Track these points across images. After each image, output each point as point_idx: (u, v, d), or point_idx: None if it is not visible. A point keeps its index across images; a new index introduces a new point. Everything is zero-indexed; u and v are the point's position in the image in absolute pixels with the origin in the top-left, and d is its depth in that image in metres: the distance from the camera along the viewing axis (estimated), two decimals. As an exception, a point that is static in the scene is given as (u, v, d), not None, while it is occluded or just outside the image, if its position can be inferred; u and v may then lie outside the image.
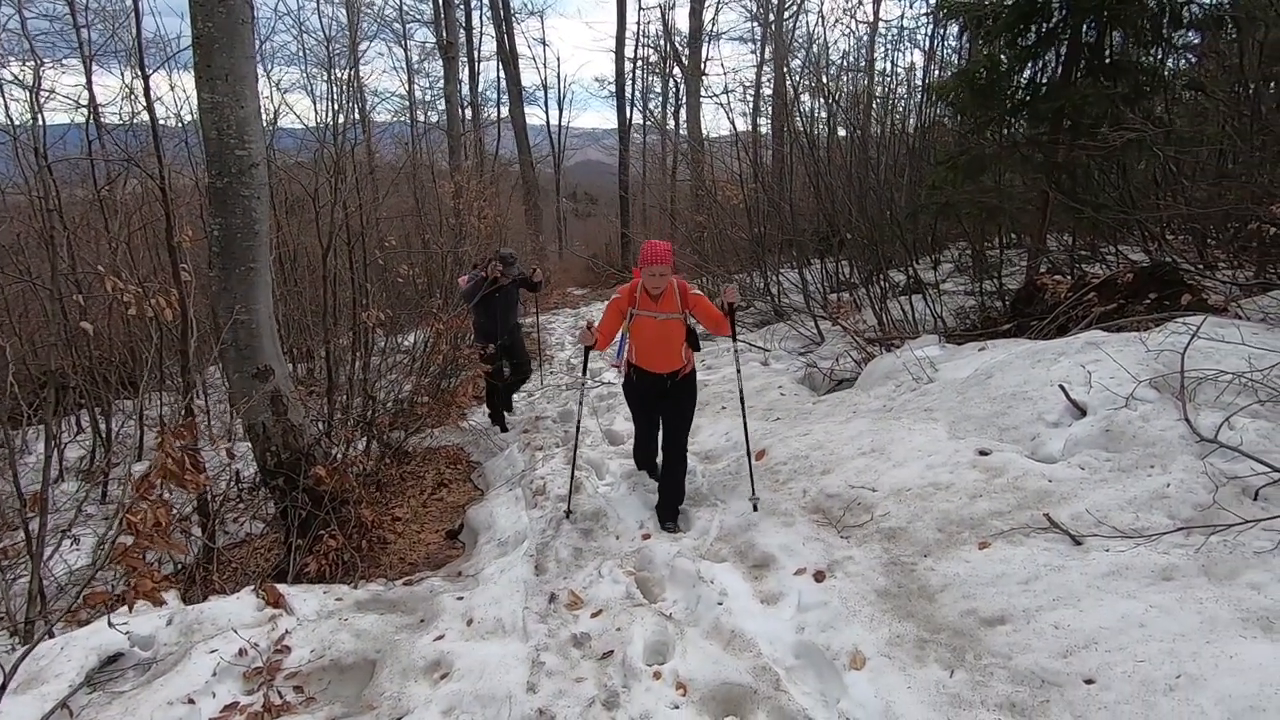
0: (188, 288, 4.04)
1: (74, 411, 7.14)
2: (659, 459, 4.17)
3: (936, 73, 11.80)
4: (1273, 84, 5.34)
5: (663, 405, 3.98)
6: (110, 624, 2.47)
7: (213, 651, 2.82)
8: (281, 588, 3.34)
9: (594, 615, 3.05)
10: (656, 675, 2.59)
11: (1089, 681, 2.12)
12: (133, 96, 7.80)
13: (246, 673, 2.76)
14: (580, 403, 4.36)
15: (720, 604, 2.94)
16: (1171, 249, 6.40)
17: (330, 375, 4.98)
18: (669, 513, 3.87)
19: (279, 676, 2.79)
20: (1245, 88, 5.68)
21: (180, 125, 6.72)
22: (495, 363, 6.03)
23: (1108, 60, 6.07)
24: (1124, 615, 2.28)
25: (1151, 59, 6.50)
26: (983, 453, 3.44)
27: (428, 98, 22.85)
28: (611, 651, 2.77)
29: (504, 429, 6.32)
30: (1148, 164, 6.48)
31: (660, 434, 4.06)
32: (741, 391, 4.05)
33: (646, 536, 3.70)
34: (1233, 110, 5.61)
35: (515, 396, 6.88)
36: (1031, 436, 3.47)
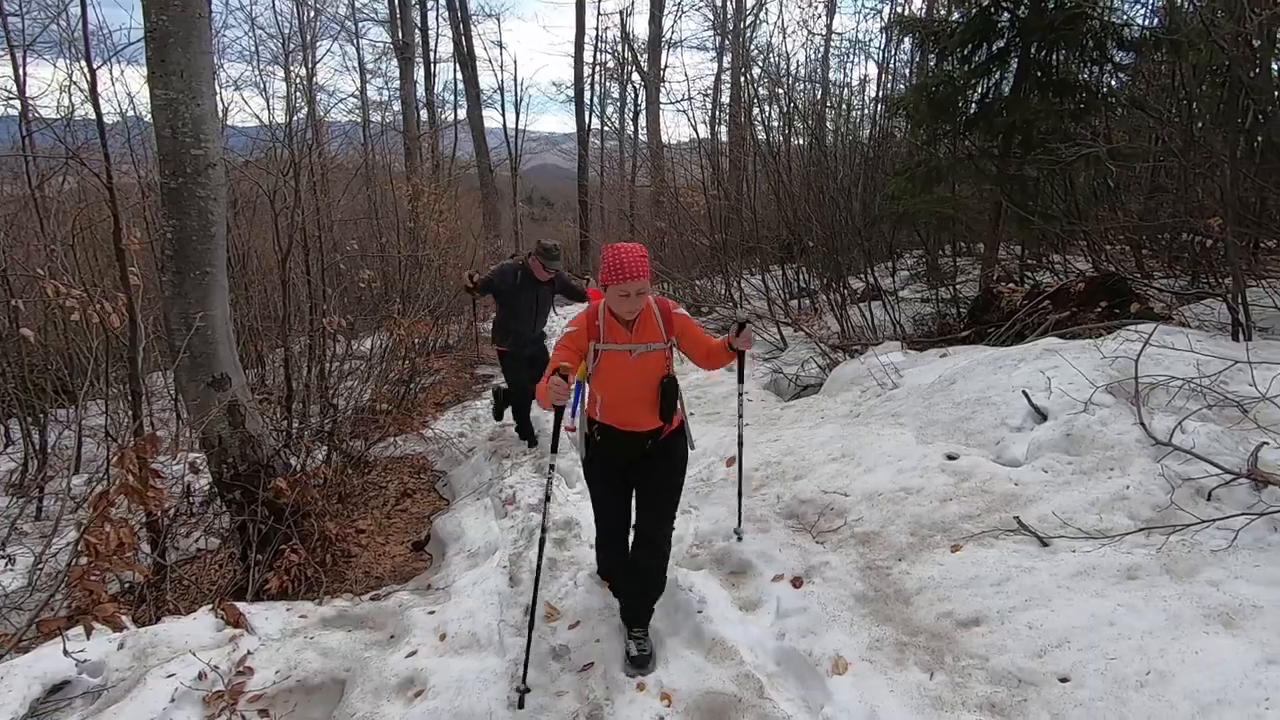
0: (136, 293, 3.84)
1: (3, 421, 6.71)
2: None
3: (890, 84, 12.16)
4: (1196, 105, 5.65)
5: (640, 476, 2.81)
6: (66, 652, 2.31)
7: (170, 675, 2.67)
8: (241, 606, 3.19)
9: (571, 627, 3.01)
10: (640, 686, 2.57)
11: (1064, 680, 2.18)
12: (71, 89, 7.38)
13: (207, 697, 2.63)
14: (549, 483, 2.87)
15: (700, 612, 2.92)
16: (1111, 259, 6.71)
17: (289, 382, 4.80)
18: (640, 616, 2.82)
19: (242, 700, 2.67)
20: (1180, 106, 6.01)
21: (123, 121, 6.38)
22: (516, 371, 5.25)
23: (1055, 78, 6.35)
24: (1094, 614, 2.36)
25: (1092, 77, 6.83)
26: (951, 457, 3.53)
27: (383, 97, 22.38)
28: (592, 663, 2.74)
29: (533, 443, 5.47)
30: (1087, 177, 6.80)
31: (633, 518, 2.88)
32: (740, 463, 3.36)
33: (621, 545, 3.67)
34: (1168, 127, 5.94)
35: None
36: (996, 441, 3.57)
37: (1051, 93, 6.26)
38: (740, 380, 3.20)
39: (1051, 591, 2.52)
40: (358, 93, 20.34)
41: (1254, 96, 4.39)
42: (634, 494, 2.86)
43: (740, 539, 3.35)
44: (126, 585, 3.68)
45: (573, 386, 2.46)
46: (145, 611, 3.40)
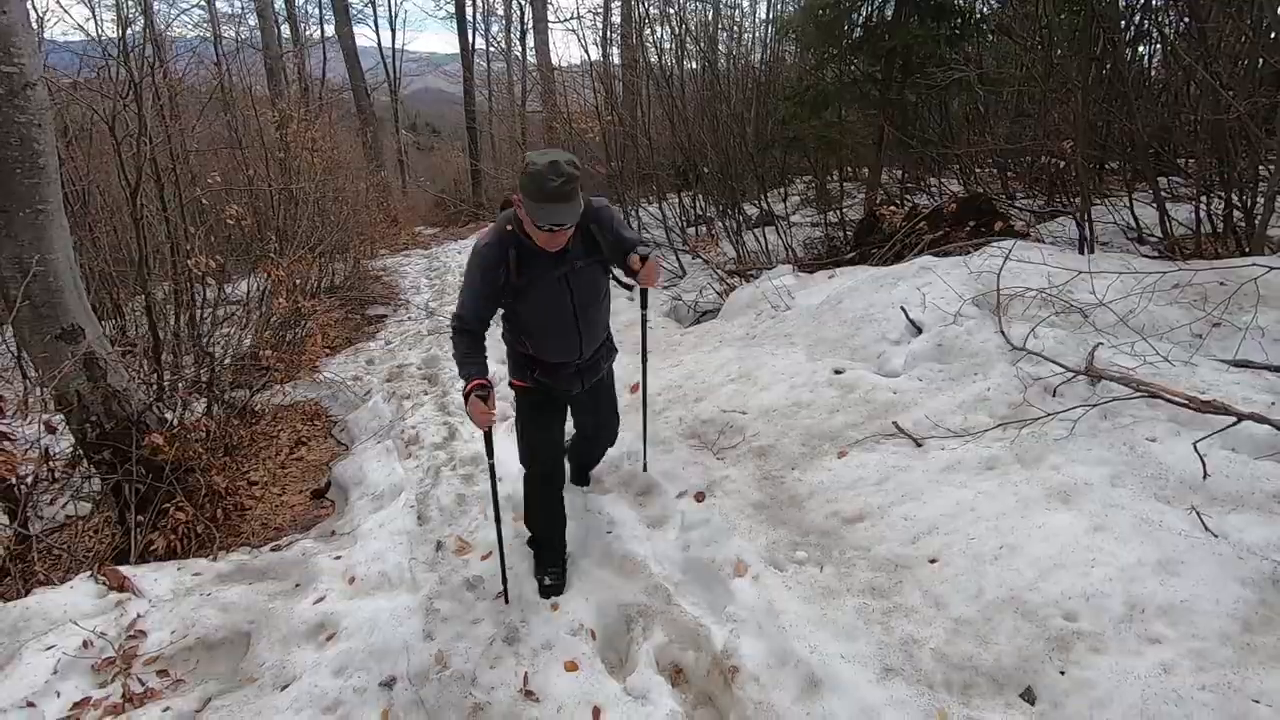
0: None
1: None
2: None
3: (780, 5, 12.11)
4: (1055, 34, 6.00)
5: None
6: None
7: (49, 648, 2.52)
8: (125, 570, 3.02)
9: (484, 558, 3.05)
10: (554, 607, 2.66)
11: (933, 561, 2.45)
12: None
13: (96, 665, 2.50)
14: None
15: (609, 532, 3.04)
16: (979, 181, 7.17)
17: (154, 332, 4.40)
18: None
19: (136, 663, 2.56)
20: (1042, 33, 6.37)
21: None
22: (537, 430, 2.77)
23: (933, 2, 6.52)
24: (958, 502, 2.64)
25: (966, 2, 7.07)
26: (838, 371, 3.77)
27: (235, 9, 19.96)
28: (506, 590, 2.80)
29: (556, 585, 2.79)
30: (960, 102, 7.15)
31: None
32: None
33: (530, 476, 3.70)
34: (1031, 54, 6.29)
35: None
36: (878, 354, 3.83)
37: (930, 17, 6.44)
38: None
39: (924, 486, 2.80)
40: (204, 3, 18.02)
41: (1104, 25, 4.71)
42: None
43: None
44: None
45: None
46: (10, 586, 3.13)
